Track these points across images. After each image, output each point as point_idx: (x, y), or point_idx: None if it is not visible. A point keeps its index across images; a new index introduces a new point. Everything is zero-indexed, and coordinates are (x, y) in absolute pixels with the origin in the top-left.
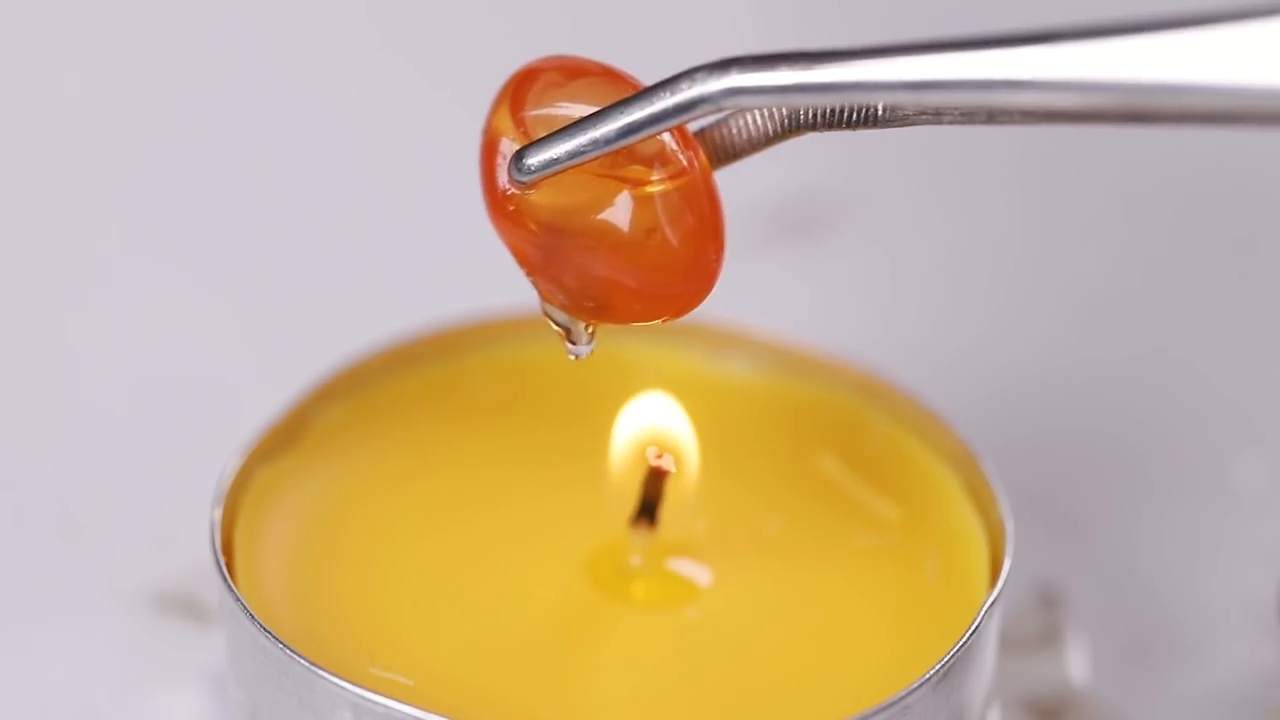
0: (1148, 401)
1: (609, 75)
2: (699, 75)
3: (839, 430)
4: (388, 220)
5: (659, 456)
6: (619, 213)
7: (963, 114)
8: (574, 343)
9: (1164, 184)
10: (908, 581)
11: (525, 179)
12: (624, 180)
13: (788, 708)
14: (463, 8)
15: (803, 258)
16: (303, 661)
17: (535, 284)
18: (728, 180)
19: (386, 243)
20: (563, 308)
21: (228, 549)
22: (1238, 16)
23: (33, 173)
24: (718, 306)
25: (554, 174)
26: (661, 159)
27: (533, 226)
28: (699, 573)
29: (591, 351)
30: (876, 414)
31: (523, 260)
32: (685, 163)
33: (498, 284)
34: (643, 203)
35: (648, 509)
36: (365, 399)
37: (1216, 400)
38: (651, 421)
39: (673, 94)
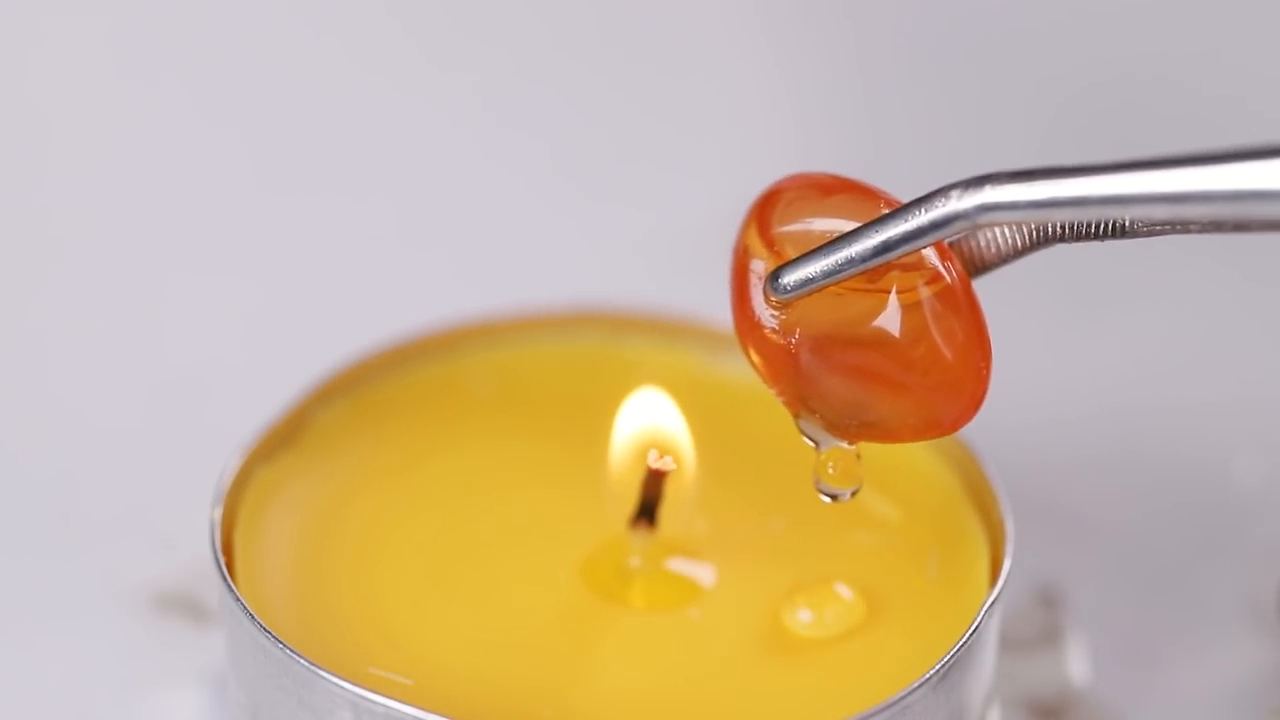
0: (1148, 401)
1: (863, 192)
2: (954, 192)
3: None
4: (388, 220)
5: (659, 459)
6: (889, 320)
7: (1211, 225)
8: (835, 496)
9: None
10: (908, 581)
11: (781, 296)
12: (885, 290)
13: (788, 707)
14: (464, 9)
15: None
16: (303, 661)
17: (793, 405)
18: (729, 181)
19: (386, 243)
20: (823, 428)
21: (228, 549)
22: None
23: (33, 173)
24: (718, 306)
25: (809, 293)
26: (920, 268)
27: (792, 345)
28: (699, 573)
29: (855, 493)
30: None
31: (781, 381)
32: (944, 271)
33: (498, 284)
34: (911, 310)
35: (647, 509)
36: (365, 399)
37: (1216, 400)
38: (650, 421)
39: (928, 210)
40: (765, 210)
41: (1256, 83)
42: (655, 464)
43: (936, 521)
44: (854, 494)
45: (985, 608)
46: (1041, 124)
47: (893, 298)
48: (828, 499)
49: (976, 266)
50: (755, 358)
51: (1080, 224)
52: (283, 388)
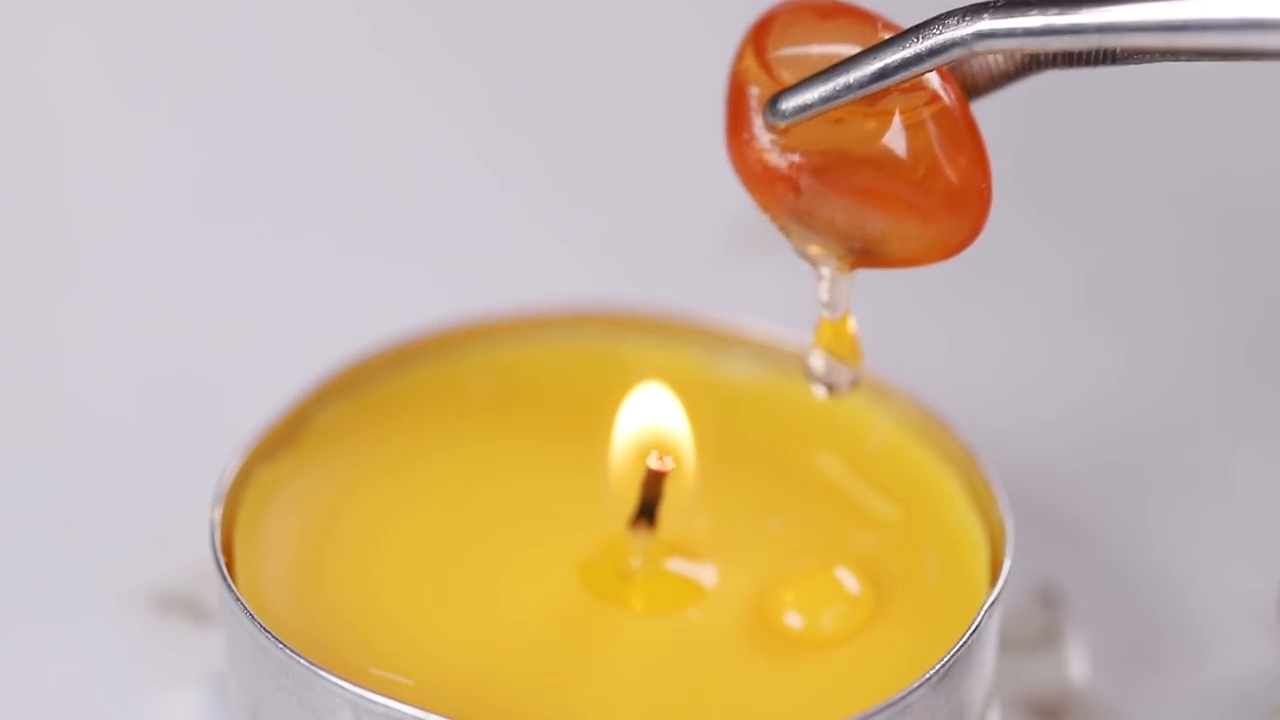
0: (1148, 402)
1: (862, 17)
2: (951, 19)
3: (839, 430)
4: (387, 221)
5: (660, 460)
6: (893, 140)
7: (1201, 54)
8: (832, 385)
9: (1164, 184)
10: (908, 581)
11: (780, 122)
12: (888, 113)
13: (788, 707)
14: (462, 10)
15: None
16: (303, 661)
17: (794, 234)
18: (728, 181)
19: (386, 243)
20: (822, 252)
21: (228, 549)
22: None
23: (34, 173)
24: (718, 306)
25: (807, 118)
26: (920, 91)
27: (791, 170)
28: (699, 573)
29: (852, 385)
30: (877, 414)
31: (780, 206)
32: (944, 94)
33: (498, 284)
34: (914, 130)
35: (647, 510)
36: (365, 399)
37: (1216, 400)
38: (650, 419)
39: (924, 38)
40: (762, 35)
41: None
42: (655, 465)
43: (936, 521)
44: (852, 383)
45: (985, 608)
46: None
47: (896, 119)
48: (821, 391)
49: (970, 91)
50: (752, 184)
51: (1073, 52)
52: (283, 388)
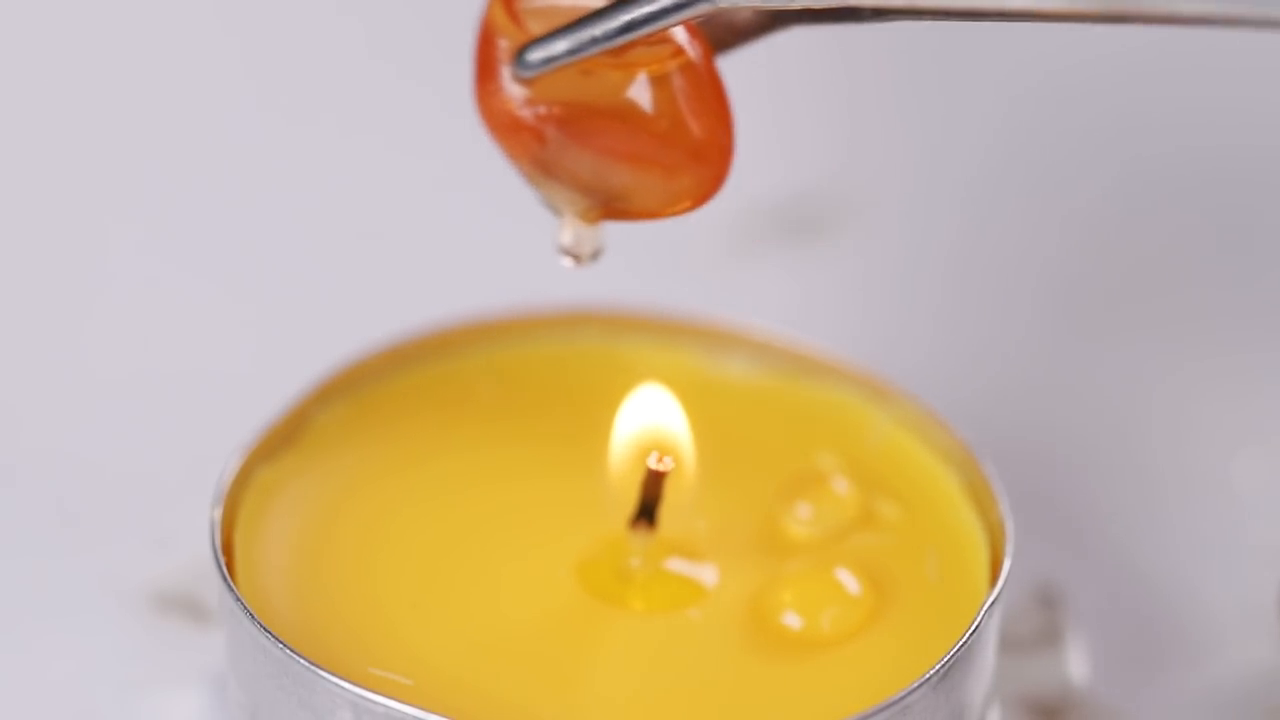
0: (1148, 402)
1: None
2: None
3: (839, 430)
4: (387, 220)
5: (660, 460)
6: (638, 93)
7: (943, 13)
8: (578, 256)
9: (1164, 184)
10: (908, 581)
11: (527, 74)
12: (633, 65)
13: (788, 707)
14: (462, 10)
15: (803, 258)
16: (303, 661)
17: (540, 184)
18: (730, 179)
19: (386, 243)
20: (571, 206)
21: (228, 549)
22: None
23: (36, 172)
24: (718, 306)
25: (555, 69)
26: (666, 43)
27: (537, 121)
28: (698, 573)
29: (596, 255)
30: (877, 414)
31: (525, 157)
32: (690, 48)
33: (498, 284)
34: (659, 84)
35: (647, 510)
36: (364, 399)
37: (1216, 400)
38: (650, 419)
39: None
40: None
41: None
42: (655, 465)
43: (936, 521)
44: (595, 256)
45: (985, 608)
46: None
47: (640, 71)
48: (568, 261)
49: (717, 46)
50: (499, 134)
51: (818, 9)
52: (283, 388)
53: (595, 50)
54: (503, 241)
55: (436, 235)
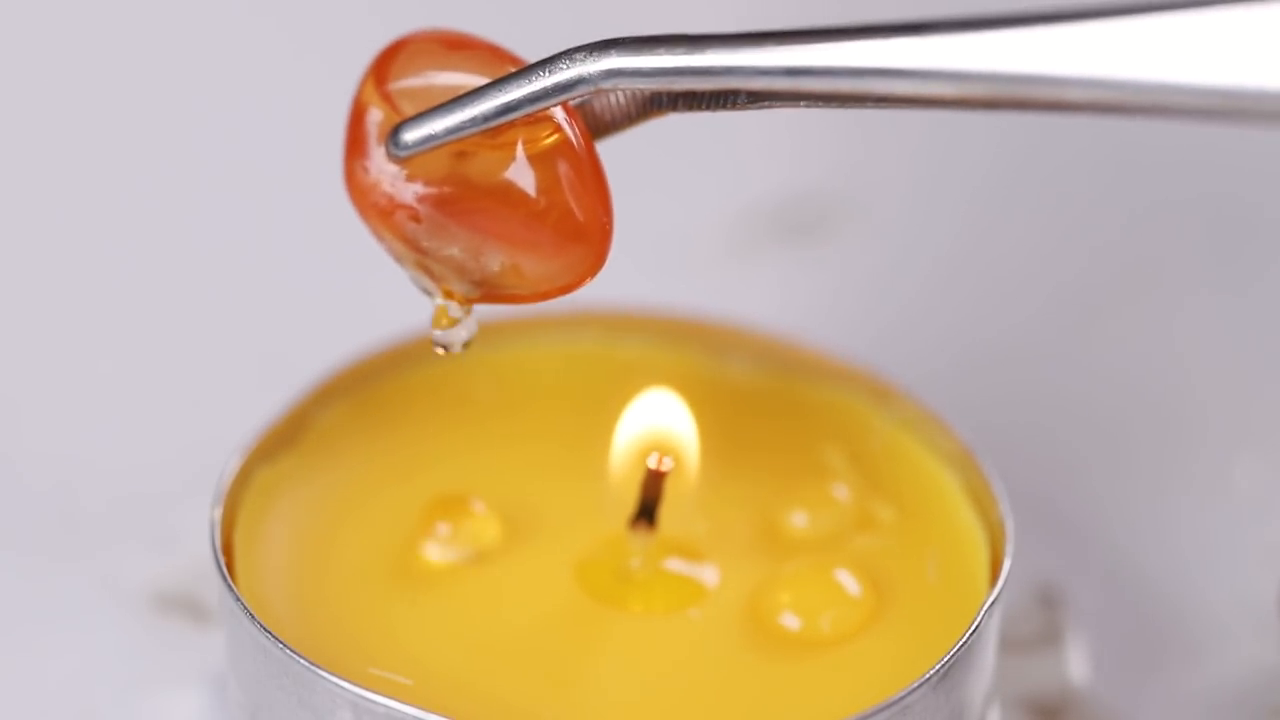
0: (1147, 402)
1: (489, 50)
2: (579, 55)
3: (839, 430)
4: None
5: (660, 461)
6: (517, 174)
7: (826, 98)
8: (447, 345)
9: (1164, 185)
10: (908, 581)
11: (402, 154)
12: (511, 144)
13: (788, 707)
14: (462, 10)
15: (803, 258)
16: (303, 661)
17: (412, 265)
18: (730, 180)
19: None
20: (444, 287)
21: (228, 549)
22: (1103, 13)
23: (35, 172)
24: (718, 306)
25: (430, 149)
26: (544, 124)
27: (412, 201)
28: (699, 573)
29: (468, 342)
30: (877, 414)
31: (398, 237)
32: (569, 129)
33: None
34: (538, 163)
35: (647, 510)
36: (365, 399)
37: (1216, 400)
38: (652, 420)
39: (552, 73)
40: (385, 64)
41: None
42: (655, 465)
43: (936, 521)
44: (466, 345)
45: (985, 608)
46: None
47: (519, 151)
48: (440, 350)
49: (595, 129)
50: (370, 214)
51: (698, 93)
52: (283, 388)
53: (473, 131)
54: None
55: None
